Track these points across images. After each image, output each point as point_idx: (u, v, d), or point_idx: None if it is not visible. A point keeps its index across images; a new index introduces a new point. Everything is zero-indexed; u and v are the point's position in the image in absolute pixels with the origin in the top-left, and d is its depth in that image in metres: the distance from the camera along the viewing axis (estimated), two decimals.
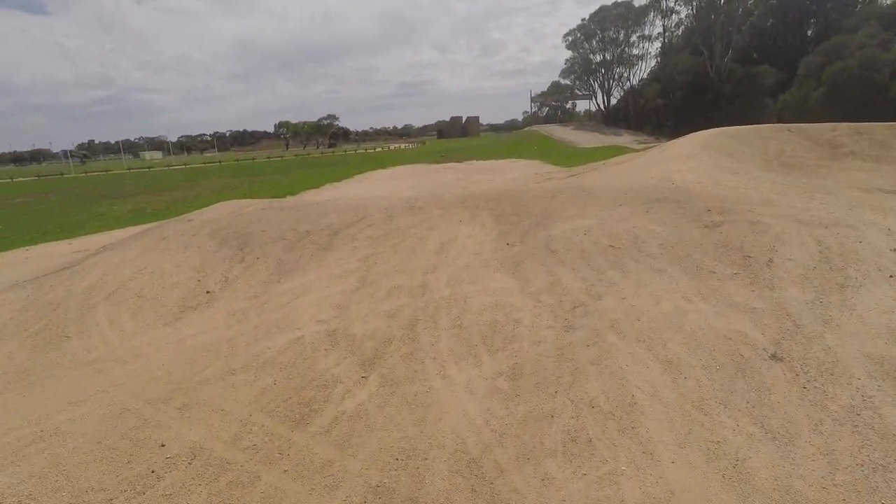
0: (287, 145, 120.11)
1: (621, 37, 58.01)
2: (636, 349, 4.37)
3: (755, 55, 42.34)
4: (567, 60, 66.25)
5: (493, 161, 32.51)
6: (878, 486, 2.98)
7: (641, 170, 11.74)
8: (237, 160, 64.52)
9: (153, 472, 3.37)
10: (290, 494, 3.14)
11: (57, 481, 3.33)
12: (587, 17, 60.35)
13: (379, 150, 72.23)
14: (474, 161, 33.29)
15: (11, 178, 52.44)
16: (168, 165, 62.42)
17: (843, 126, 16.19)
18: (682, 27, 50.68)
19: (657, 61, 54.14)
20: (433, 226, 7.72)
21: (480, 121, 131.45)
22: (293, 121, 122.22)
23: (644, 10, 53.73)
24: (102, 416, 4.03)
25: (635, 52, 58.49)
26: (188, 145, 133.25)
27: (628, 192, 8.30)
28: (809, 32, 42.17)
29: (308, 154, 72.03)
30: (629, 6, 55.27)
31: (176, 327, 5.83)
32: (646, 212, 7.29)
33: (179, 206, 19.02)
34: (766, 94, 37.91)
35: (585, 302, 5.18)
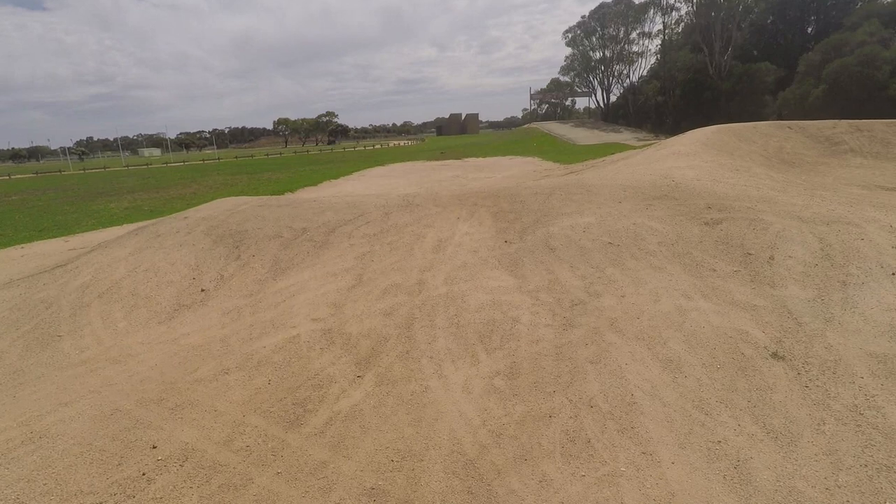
0: (286, 142, 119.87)
1: (621, 34, 57.88)
2: (635, 348, 4.30)
3: (755, 52, 42.23)
4: (567, 57, 66.21)
5: (491, 158, 32.40)
6: (882, 488, 2.92)
7: (641, 167, 11.66)
8: (236, 157, 64.40)
9: (144, 474, 3.30)
10: (283, 497, 3.08)
11: (45, 484, 3.26)
12: (587, 14, 60.25)
13: (378, 147, 72.13)
14: (473, 159, 33.18)
15: (9, 176, 52.21)
16: (166, 163, 62.17)
17: (843, 123, 16.14)
18: (683, 24, 50.54)
19: (657, 58, 53.96)
20: (430, 223, 7.65)
21: (480, 118, 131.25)
22: (292, 118, 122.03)
23: (644, 7, 53.55)
24: (93, 417, 3.97)
25: (635, 49, 58.42)
26: (187, 142, 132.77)
27: (628, 189, 8.23)
28: (809, 30, 42.07)
29: (307, 151, 71.90)
30: (629, 3, 55.10)
31: (170, 326, 5.76)
32: (645, 209, 7.23)
33: (177, 204, 18.92)
34: (766, 92, 37.79)
35: (584, 300, 5.12)
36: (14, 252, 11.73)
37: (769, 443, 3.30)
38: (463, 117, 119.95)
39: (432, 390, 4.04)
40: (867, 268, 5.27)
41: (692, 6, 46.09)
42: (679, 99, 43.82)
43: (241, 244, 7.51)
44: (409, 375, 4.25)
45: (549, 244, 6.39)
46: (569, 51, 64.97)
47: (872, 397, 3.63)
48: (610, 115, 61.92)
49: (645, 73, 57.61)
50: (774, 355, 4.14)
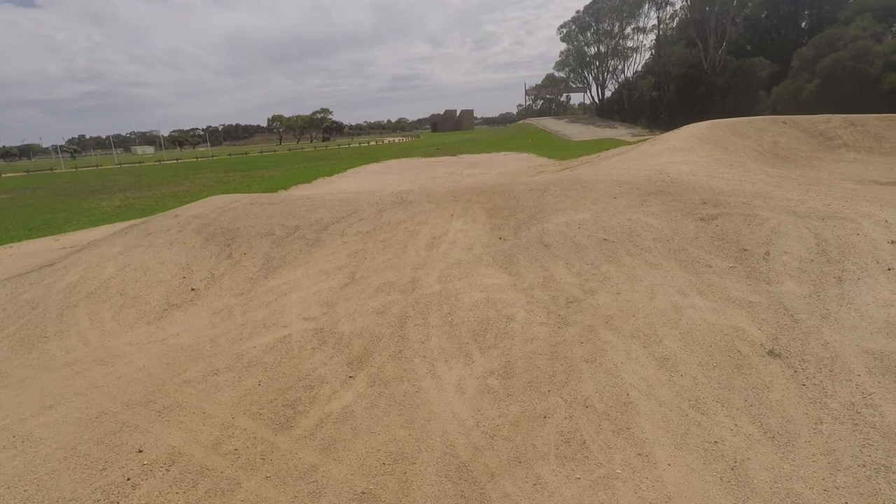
0: (280, 139, 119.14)
1: (616, 29, 57.70)
2: (631, 346, 4.25)
3: (749, 47, 42.25)
4: (561, 53, 65.86)
5: (486, 154, 32.28)
6: (880, 488, 2.88)
7: (636, 162, 11.60)
8: (230, 155, 63.87)
9: (129, 479, 3.22)
10: (272, 502, 3.01)
11: (27, 491, 3.17)
12: (581, 9, 60.01)
13: (373, 143, 71.74)
14: (467, 155, 33.04)
15: (0, 174, 51.61)
16: (160, 160, 61.60)
17: (837, 118, 16.15)
18: (677, 19, 50.45)
19: (651, 54, 53.89)
20: (424, 220, 7.57)
21: (475, 114, 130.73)
22: (286, 115, 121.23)
23: (639, 2, 53.36)
24: (78, 421, 3.87)
25: (630, 44, 58.23)
26: (180, 140, 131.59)
27: (622, 185, 8.17)
28: (803, 24, 42.13)
29: (302, 148, 71.43)
30: None
31: (159, 326, 5.66)
32: (640, 205, 7.17)
33: (169, 202, 18.72)
34: (760, 87, 37.82)
35: (579, 297, 5.06)
36: (2, 251, 11.55)
37: (766, 443, 3.25)
38: (458, 113, 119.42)
39: (425, 391, 3.97)
40: (863, 263, 5.23)
41: (686, 1, 46.04)
42: (674, 94, 43.81)
43: (233, 242, 7.40)
44: (401, 375, 4.18)
45: (543, 241, 6.32)
46: (563, 46, 64.74)
47: (870, 395, 3.59)
48: (605, 111, 61.83)
49: (639, 68, 57.55)
50: (771, 353, 4.10)
